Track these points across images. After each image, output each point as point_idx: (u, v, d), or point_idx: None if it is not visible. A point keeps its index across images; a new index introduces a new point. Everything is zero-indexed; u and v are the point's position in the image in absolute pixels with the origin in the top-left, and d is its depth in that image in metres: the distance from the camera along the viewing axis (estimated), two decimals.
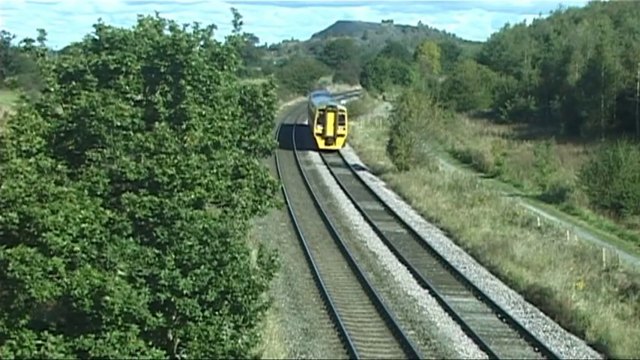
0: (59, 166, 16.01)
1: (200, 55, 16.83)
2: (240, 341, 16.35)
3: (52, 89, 17.05)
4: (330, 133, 69.30)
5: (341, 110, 70.02)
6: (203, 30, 17.40)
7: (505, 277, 32.12)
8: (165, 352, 15.97)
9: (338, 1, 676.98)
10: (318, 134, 69.66)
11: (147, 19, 17.20)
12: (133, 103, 16.53)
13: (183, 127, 16.52)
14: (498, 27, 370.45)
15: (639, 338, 24.87)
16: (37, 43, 17.35)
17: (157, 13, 17.37)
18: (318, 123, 69.35)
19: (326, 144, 69.37)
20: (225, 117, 17.14)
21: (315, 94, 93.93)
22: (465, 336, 25.63)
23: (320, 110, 69.25)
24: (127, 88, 16.48)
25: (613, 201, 47.03)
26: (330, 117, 68.93)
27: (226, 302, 16.24)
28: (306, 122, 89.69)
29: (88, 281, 15.05)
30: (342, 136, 69.84)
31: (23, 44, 17.65)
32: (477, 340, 25.12)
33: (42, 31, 17.40)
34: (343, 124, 69.62)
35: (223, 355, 16.15)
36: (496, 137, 78.27)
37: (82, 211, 15.46)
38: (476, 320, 27.24)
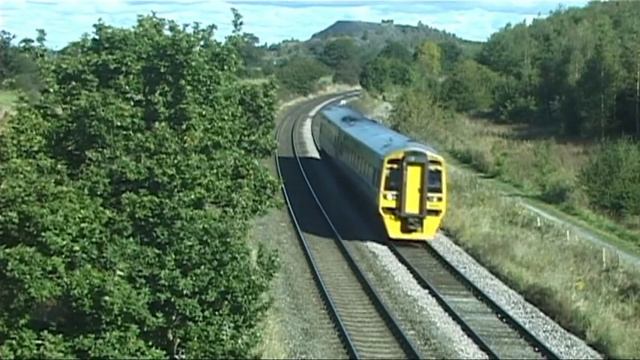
0: (59, 166, 16.04)
1: (200, 56, 16.83)
2: (240, 341, 16.35)
3: (52, 90, 17.08)
4: (412, 208, 36.22)
5: (433, 161, 36.81)
6: (203, 30, 17.41)
7: (505, 277, 32.12)
8: (165, 352, 15.98)
9: (338, 1, 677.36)
10: (387, 210, 36.57)
11: (146, 19, 17.20)
12: (132, 103, 16.54)
13: (184, 127, 16.52)
14: (499, 27, 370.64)
15: (639, 338, 24.87)
16: (36, 44, 17.38)
17: (154, 14, 17.39)
18: (388, 188, 36.45)
19: (404, 230, 36.53)
20: (226, 117, 17.15)
21: (344, 116, 55.24)
22: (465, 336, 25.63)
23: (391, 162, 36.56)
24: (127, 88, 16.50)
25: (613, 201, 47.05)
26: (414, 175, 36.23)
27: (226, 302, 16.25)
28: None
29: (87, 281, 15.07)
30: (436, 213, 36.68)
31: (22, 45, 17.67)
32: (476, 340, 25.11)
33: (41, 31, 17.41)
34: (439, 190, 36.65)
35: (223, 355, 16.16)
36: (496, 137, 78.31)
37: (82, 211, 15.49)
38: (476, 320, 27.23)
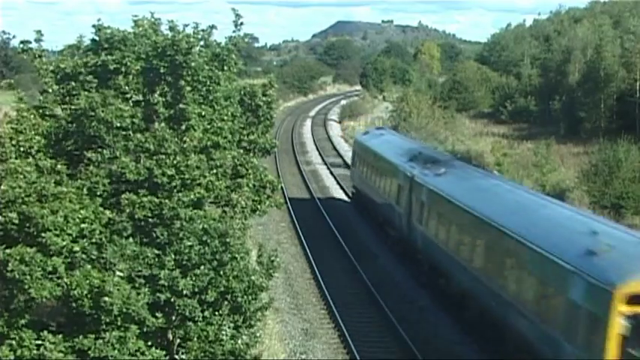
0: (59, 166, 16.05)
1: (200, 56, 16.84)
2: (240, 341, 16.37)
3: (50, 90, 17.09)
4: None
5: None
6: (203, 30, 17.41)
7: None
8: (165, 352, 15.99)
9: (338, 1, 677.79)
10: None
11: (142, 19, 17.19)
12: (132, 104, 16.55)
13: (183, 127, 16.53)
14: (499, 27, 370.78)
15: None
16: (34, 45, 17.37)
17: (153, 14, 17.39)
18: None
19: None
20: (225, 117, 17.16)
21: (413, 153, 34.06)
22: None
23: (634, 302, 15.42)
24: (127, 88, 16.50)
25: (613, 201, 47.03)
26: None
27: (226, 302, 16.27)
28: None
29: (87, 281, 15.09)
30: None
31: (20, 46, 17.69)
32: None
33: (39, 32, 17.41)
34: None
35: (223, 355, 16.17)
36: (496, 137, 78.33)
37: (82, 212, 15.50)
38: None
